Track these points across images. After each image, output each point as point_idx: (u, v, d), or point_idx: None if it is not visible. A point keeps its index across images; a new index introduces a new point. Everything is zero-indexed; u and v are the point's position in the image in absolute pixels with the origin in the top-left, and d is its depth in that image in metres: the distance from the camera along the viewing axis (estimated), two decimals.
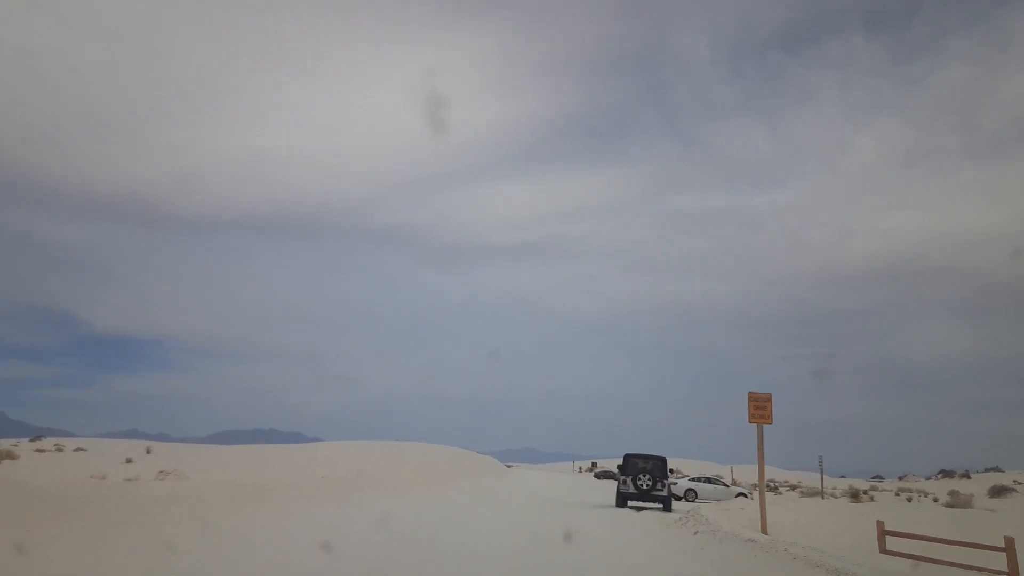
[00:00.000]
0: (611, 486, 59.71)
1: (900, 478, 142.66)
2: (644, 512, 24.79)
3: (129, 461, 39.66)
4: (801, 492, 66.07)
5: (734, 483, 64.09)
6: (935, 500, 47.79)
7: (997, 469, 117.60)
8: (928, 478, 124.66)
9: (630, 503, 26.90)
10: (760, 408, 15.16)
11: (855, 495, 39.72)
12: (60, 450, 47.33)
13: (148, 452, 46.09)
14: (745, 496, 41.42)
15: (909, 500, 56.10)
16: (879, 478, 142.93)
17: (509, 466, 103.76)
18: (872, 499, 49.44)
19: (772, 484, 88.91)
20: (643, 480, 26.13)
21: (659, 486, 26.22)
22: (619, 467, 28.04)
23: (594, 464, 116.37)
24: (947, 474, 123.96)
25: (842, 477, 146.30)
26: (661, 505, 26.42)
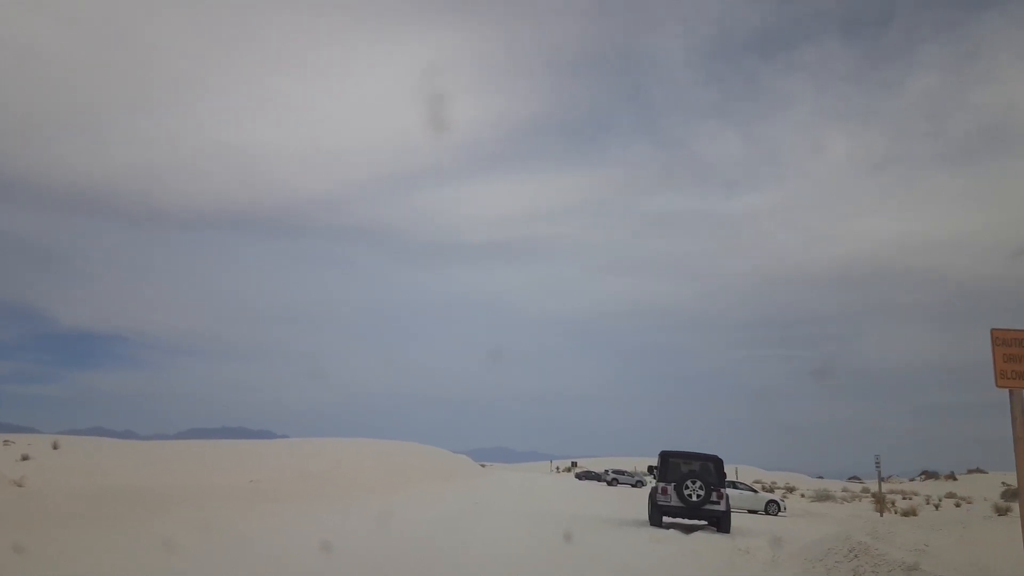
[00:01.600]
0: (610, 491, 53.77)
1: (883, 480, 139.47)
2: (694, 532, 18.05)
3: (25, 458, 32.48)
4: (811, 496, 60.53)
5: (766, 489, 57.99)
6: (960, 502, 41.91)
7: (979, 470, 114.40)
8: (912, 479, 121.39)
9: (666, 519, 19.63)
10: (1016, 359, 8.04)
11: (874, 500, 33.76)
12: None
13: (55, 448, 38.54)
14: (778, 505, 34.78)
15: (957, 505, 50.62)
16: (856, 479, 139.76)
17: (484, 466, 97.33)
18: (914, 509, 43.65)
19: (769, 486, 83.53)
20: (693, 489, 18.90)
21: (715, 497, 18.85)
22: (653, 470, 21.17)
23: (574, 464, 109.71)
24: (930, 475, 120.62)
25: (819, 478, 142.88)
26: (715, 524, 19.26)
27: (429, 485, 34.28)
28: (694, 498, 18.91)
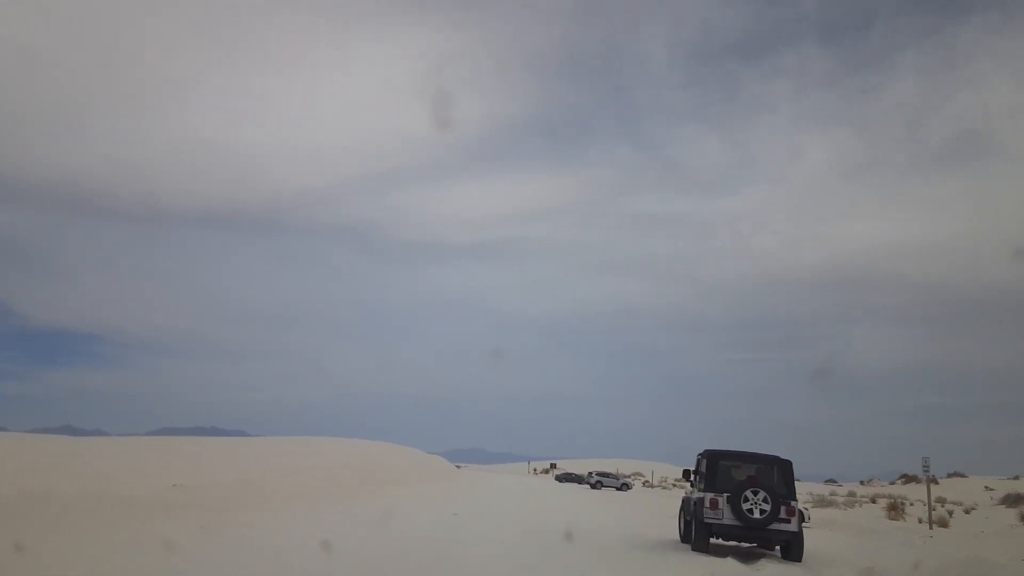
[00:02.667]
0: (596, 495, 48.63)
1: (863, 483, 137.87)
2: (759, 561, 13.54)
3: None
4: (811, 502, 56.84)
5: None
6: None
7: (959, 475, 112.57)
8: (892, 482, 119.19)
9: (712, 539, 15.18)
10: None
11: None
12: None
13: None
14: (802, 515, 28.42)
15: (967, 512, 47.00)
16: (833, 482, 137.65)
17: (459, 467, 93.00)
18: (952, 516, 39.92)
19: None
20: (755, 502, 14.19)
21: (784, 513, 14.21)
22: (692, 475, 16.73)
23: (553, 465, 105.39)
24: (910, 479, 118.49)
25: (797, 480, 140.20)
26: (783, 549, 14.97)
27: (396, 489, 29.81)
28: (757, 515, 14.17)
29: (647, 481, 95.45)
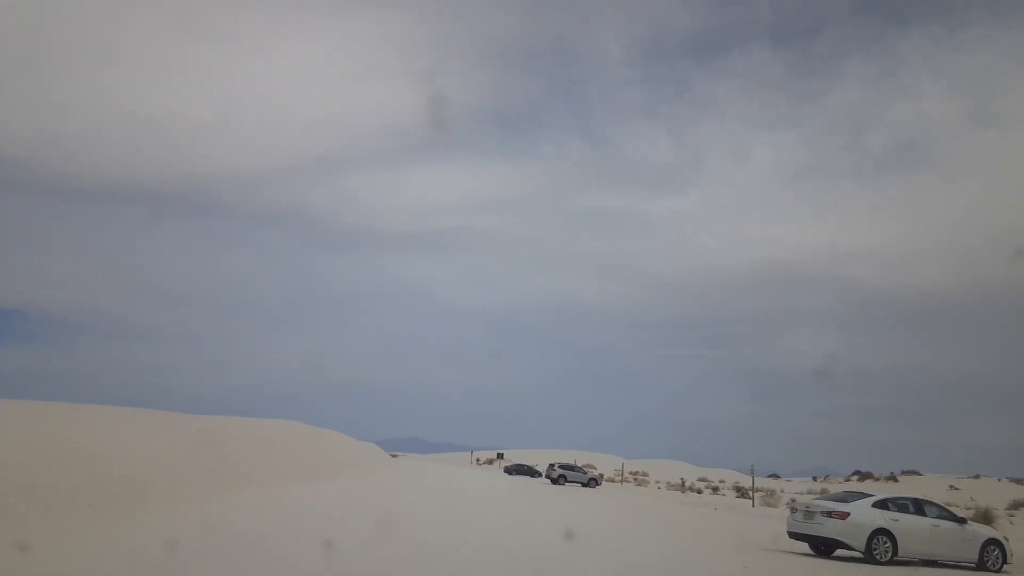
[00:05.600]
0: (561, 492, 42.10)
1: (815, 479, 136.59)
2: None
3: None
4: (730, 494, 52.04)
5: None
6: None
7: (915, 472, 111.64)
8: (848, 479, 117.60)
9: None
10: None
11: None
12: None
13: None
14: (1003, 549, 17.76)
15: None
16: (775, 476, 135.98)
17: (395, 456, 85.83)
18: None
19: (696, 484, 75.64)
20: None
21: None
22: None
23: (500, 455, 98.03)
24: (864, 476, 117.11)
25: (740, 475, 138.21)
26: None
27: (312, 481, 22.97)
28: None
29: (621, 476, 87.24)
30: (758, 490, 59.55)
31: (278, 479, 21.56)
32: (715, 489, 60.94)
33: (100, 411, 21.61)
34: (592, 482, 53.71)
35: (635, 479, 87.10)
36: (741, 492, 55.84)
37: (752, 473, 41.01)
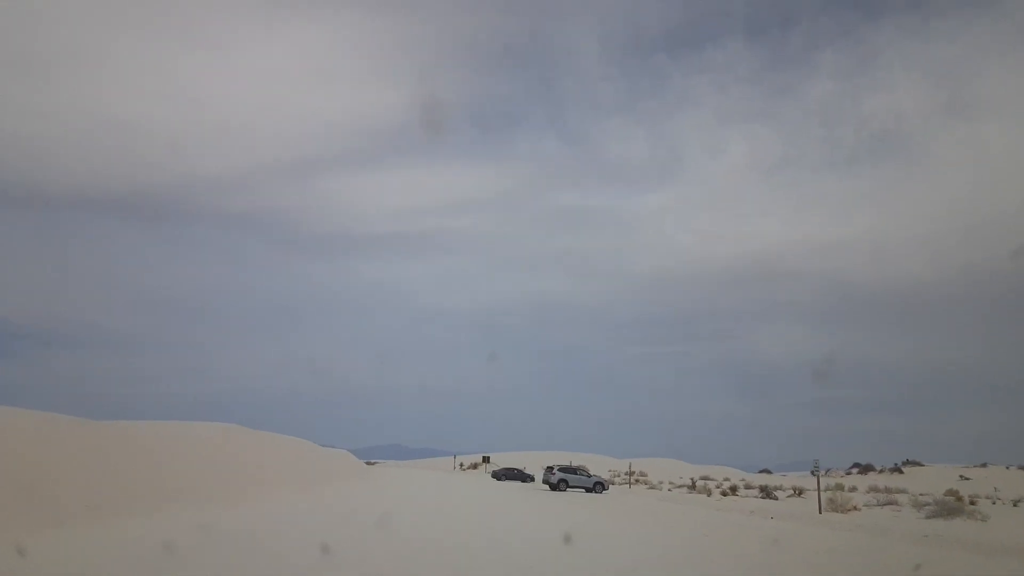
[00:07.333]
0: (566, 500, 36.35)
1: (812, 472, 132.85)
2: None
3: None
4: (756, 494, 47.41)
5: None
6: None
7: (918, 463, 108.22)
8: (848, 472, 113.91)
9: None
10: None
11: None
12: None
13: None
14: None
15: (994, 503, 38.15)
16: (767, 471, 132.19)
17: (371, 464, 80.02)
18: None
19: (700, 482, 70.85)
20: None
21: None
22: None
23: (486, 459, 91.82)
24: (863, 469, 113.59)
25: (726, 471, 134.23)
26: None
27: (257, 497, 18.00)
28: None
29: (630, 478, 73.93)
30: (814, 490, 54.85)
31: (199, 495, 16.51)
32: (733, 489, 55.06)
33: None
34: (599, 486, 46.88)
35: (638, 480, 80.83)
36: (765, 492, 51.06)
37: (816, 471, 35.87)
